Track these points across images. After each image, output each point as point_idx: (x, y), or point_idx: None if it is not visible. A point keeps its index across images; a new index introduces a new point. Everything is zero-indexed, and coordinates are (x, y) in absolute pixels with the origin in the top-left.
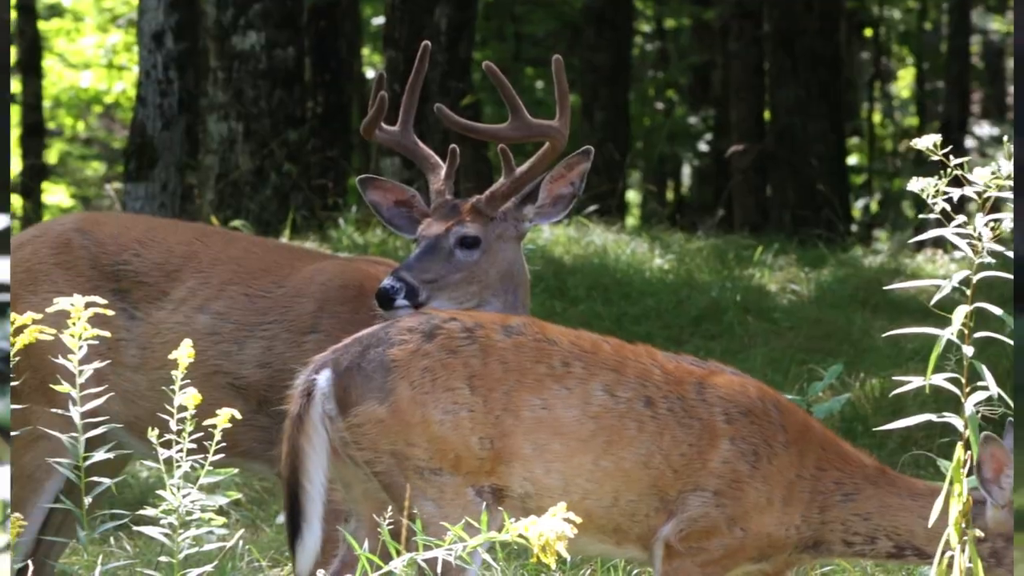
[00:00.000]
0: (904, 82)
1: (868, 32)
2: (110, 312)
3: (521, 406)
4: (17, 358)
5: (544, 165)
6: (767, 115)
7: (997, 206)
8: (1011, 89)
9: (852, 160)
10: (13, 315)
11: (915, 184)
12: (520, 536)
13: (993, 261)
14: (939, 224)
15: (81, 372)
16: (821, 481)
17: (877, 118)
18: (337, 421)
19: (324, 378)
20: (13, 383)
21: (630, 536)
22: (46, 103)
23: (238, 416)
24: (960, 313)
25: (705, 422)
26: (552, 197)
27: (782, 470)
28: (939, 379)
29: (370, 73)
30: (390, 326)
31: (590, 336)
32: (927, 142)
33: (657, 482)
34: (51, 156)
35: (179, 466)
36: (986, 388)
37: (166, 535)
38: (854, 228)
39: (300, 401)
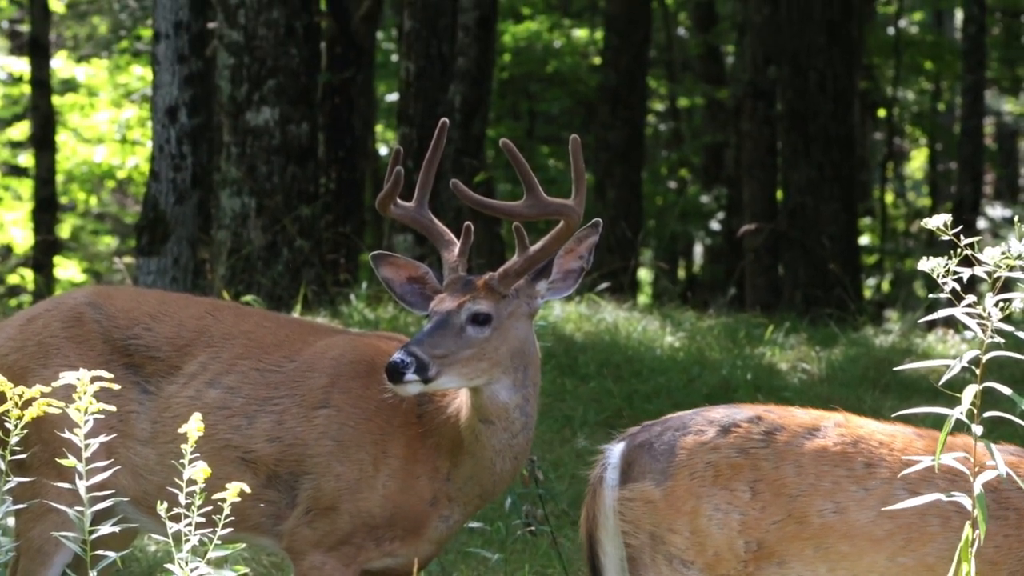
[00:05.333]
0: (917, 163)
1: (881, 113)
2: (116, 386)
3: (809, 511)
4: (26, 431)
5: (558, 243)
6: (779, 195)
7: (1008, 286)
8: None
9: (864, 240)
10: (22, 388)
11: (925, 264)
12: None
13: (1003, 341)
14: (950, 304)
15: (88, 446)
16: None
17: (889, 198)
18: (615, 490)
19: (618, 449)
20: (22, 455)
21: None
22: (59, 177)
23: (247, 490)
24: (969, 392)
25: (1022, 512)
26: (562, 272)
27: None
28: (948, 458)
29: (383, 150)
30: (696, 413)
31: (905, 433)
32: (937, 222)
33: None
34: (64, 230)
35: (187, 540)
36: (995, 468)
37: None
38: (865, 308)
39: (598, 469)
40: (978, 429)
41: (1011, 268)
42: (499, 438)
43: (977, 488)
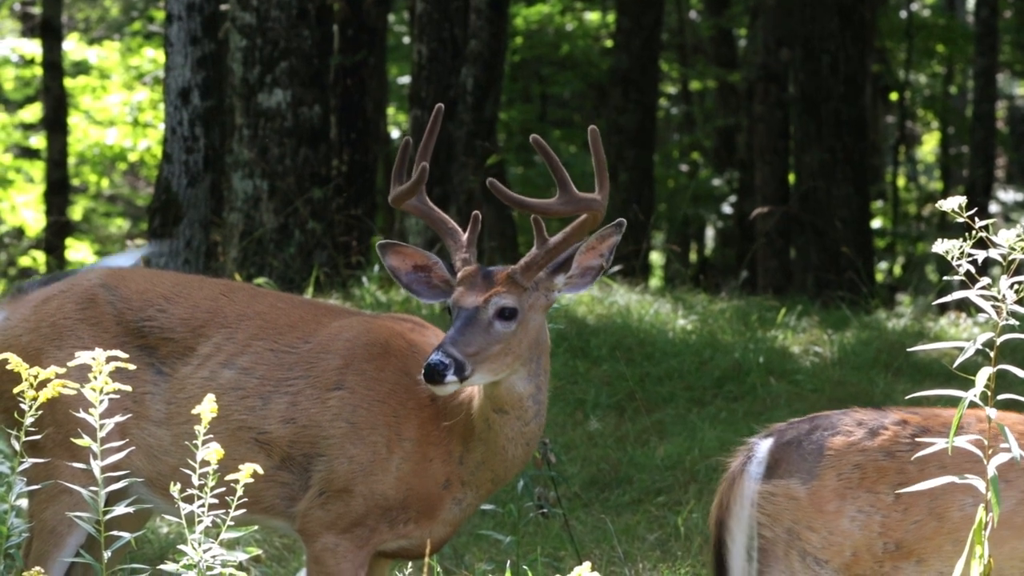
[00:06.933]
0: (929, 146)
1: (893, 96)
2: (131, 366)
3: (950, 506)
4: (40, 412)
5: (580, 236)
6: (791, 178)
7: (1021, 269)
8: None
9: (876, 223)
10: (36, 368)
11: (940, 246)
12: None
13: (1017, 324)
14: (963, 287)
15: (103, 426)
16: None
17: (901, 182)
18: (757, 482)
19: (765, 444)
20: (36, 436)
21: None
22: (71, 160)
23: (260, 472)
24: (983, 375)
25: None
26: (581, 268)
27: None
28: (962, 440)
29: (395, 133)
30: (845, 414)
31: None
32: (952, 204)
33: None
34: (75, 213)
35: (200, 521)
36: (1008, 450)
37: None
38: (877, 291)
39: (740, 460)
40: (992, 411)
41: None
42: (512, 427)
43: (991, 470)
